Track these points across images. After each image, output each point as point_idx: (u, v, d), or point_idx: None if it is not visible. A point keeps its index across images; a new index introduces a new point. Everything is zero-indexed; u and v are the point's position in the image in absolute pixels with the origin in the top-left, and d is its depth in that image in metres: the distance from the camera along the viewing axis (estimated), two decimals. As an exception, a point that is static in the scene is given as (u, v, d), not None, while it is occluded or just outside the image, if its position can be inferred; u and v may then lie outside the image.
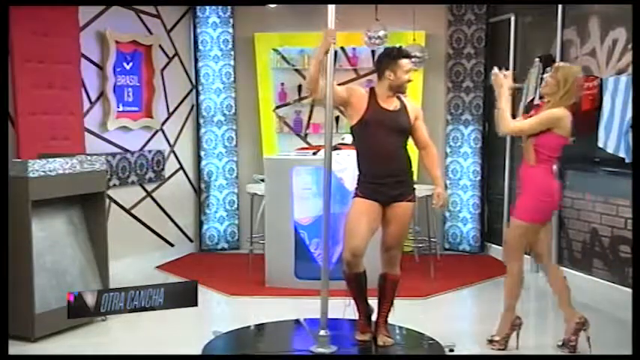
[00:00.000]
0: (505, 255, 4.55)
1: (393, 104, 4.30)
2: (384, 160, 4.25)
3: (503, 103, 4.26)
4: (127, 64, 6.53)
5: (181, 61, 7.29)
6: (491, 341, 4.45)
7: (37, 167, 4.46)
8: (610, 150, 5.15)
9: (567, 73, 4.24)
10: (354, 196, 4.32)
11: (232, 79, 7.51)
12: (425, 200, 6.51)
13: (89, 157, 4.90)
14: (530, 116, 4.38)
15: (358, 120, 4.26)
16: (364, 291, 4.42)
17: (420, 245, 6.95)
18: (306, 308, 4.86)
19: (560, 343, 4.43)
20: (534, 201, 4.26)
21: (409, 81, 4.32)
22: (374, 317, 4.49)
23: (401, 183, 4.30)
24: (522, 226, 4.33)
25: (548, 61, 6.15)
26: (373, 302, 4.49)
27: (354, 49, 7.37)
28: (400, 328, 4.72)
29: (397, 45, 4.80)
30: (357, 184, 4.35)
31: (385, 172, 4.25)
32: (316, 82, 4.14)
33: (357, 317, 4.49)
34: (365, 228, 4.22)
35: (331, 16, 4.11)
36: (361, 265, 4.32)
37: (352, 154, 4.49)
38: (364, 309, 4.45)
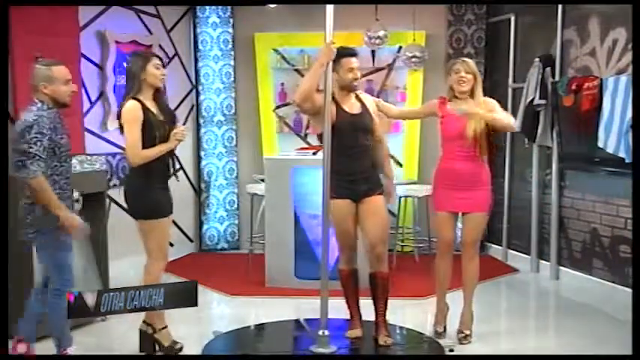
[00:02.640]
0: (474, 248, 4.54)
1: (355, 107, 4.40)
2: (353, 160, 4.36)
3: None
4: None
5: (181, 61, 7.29)
6: (465, 336, 4.51)
7: (37, 167, 4.45)
8: (610, 150, 5.14)
9: (473, 66, 4.46)
10: (331, 198, 4.37)
11: (232, 79, 7.51)
12: (425, 200, 6.52)
13: (89, 157, 4.90)
14: (445, 117, 4.47)
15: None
16: (357, 289, 4.55)
17: (420, 245, 6.95)
18: (306, 308, 4.86)
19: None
20: (490, 192, 4.50)
21: (355, 79, 4.38)
22: (372, 318, 4.51)
23: (368, 179, 4.40)
24: (486, 217, 4.55)
25: (548, 61, 6.17)
26: (368, 303, 4.54)
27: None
28: (400, 328, 4.72)
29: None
30: (332, 183, 4.37)
31: (354, 170, 4.36)
32: (311, 94, 4.19)
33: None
34: (352, 225, 4.41)
35: (330, 16, 4.11)
36: (356, 262, 4.51)
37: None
38: (356, 307, 4.55)
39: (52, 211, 3.74)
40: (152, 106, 4.14)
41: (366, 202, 4.38)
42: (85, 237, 4.09)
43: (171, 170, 4.32)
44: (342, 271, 4.53)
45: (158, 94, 4.21)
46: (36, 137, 3.67)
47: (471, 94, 4.41)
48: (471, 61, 4.47)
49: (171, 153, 4.22)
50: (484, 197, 4.47)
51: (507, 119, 4.45)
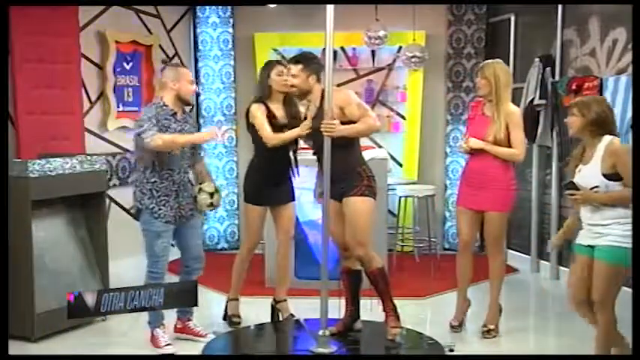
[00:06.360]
0: (494, 247, 4.64)
1: (314, 111, 4.39)
2: (324, 161, 4.31)
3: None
4: (127, 64, 6.53)
5: (181, 61, 7.28)
6: (488, 331, 4.60)
7: (37, 167, 4.47)
8: (610, 150, 5.14)
9: (494, 68, 4.50)
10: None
11: (232, 79, 7.51)
12: (425, 200, 6.52)
13: (89, 157, 4.91)
14: (473, 118, 4.64)
15: None
16: (353, 291, 4.54)
17: (420, 245, 6.95)
18: (306, 308, 4.86)
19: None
20: (510, 192, 4.56)
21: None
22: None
23: (343, 180, 4.30)
24: (505, 216, 4.62)
25: (548, 61, 6.16)
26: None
27: (354, 49, 7.36)
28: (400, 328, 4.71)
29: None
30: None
31: (330, 171, 4.28)
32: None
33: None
34: (337, 225, 4.39)
35: (330, 16, 4.11)
36: (352, 262, 4.46)
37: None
38: (350, 310, 4.55)
39: (189, 142, 4.29)
40: (277, 110, 4.59)
41: (344, 203, 4.35)
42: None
43: (293, 160, 4.84)
44: (341, 267, 4.57)
45: (287, 100, 4.63)
46: (145, 118, 4.15)
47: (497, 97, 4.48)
48: (487, 65, 4.56)
49: (295, 150, 4.76)
50: (500, 196, 4.53)
51: (509, 153, 4.49)
